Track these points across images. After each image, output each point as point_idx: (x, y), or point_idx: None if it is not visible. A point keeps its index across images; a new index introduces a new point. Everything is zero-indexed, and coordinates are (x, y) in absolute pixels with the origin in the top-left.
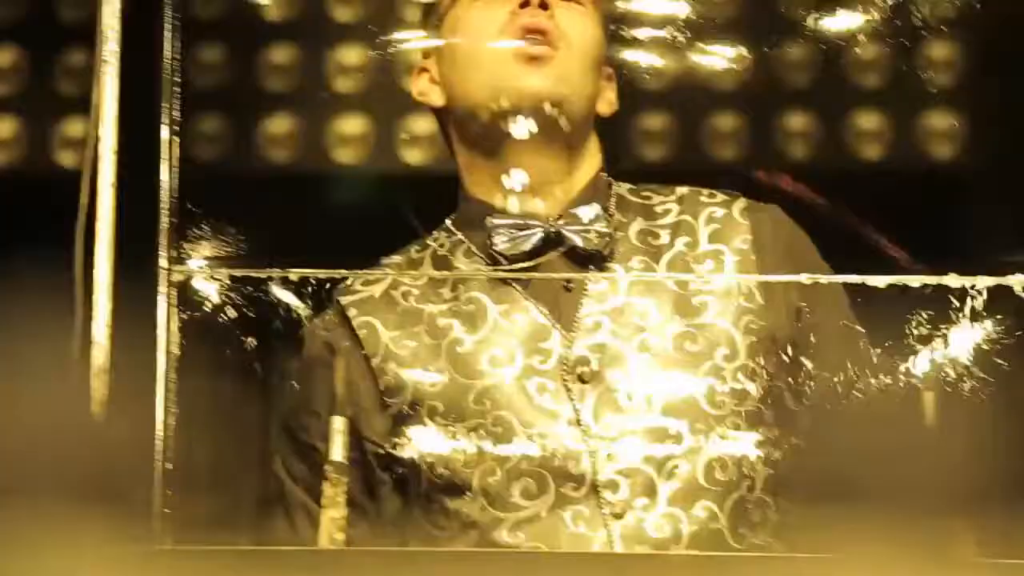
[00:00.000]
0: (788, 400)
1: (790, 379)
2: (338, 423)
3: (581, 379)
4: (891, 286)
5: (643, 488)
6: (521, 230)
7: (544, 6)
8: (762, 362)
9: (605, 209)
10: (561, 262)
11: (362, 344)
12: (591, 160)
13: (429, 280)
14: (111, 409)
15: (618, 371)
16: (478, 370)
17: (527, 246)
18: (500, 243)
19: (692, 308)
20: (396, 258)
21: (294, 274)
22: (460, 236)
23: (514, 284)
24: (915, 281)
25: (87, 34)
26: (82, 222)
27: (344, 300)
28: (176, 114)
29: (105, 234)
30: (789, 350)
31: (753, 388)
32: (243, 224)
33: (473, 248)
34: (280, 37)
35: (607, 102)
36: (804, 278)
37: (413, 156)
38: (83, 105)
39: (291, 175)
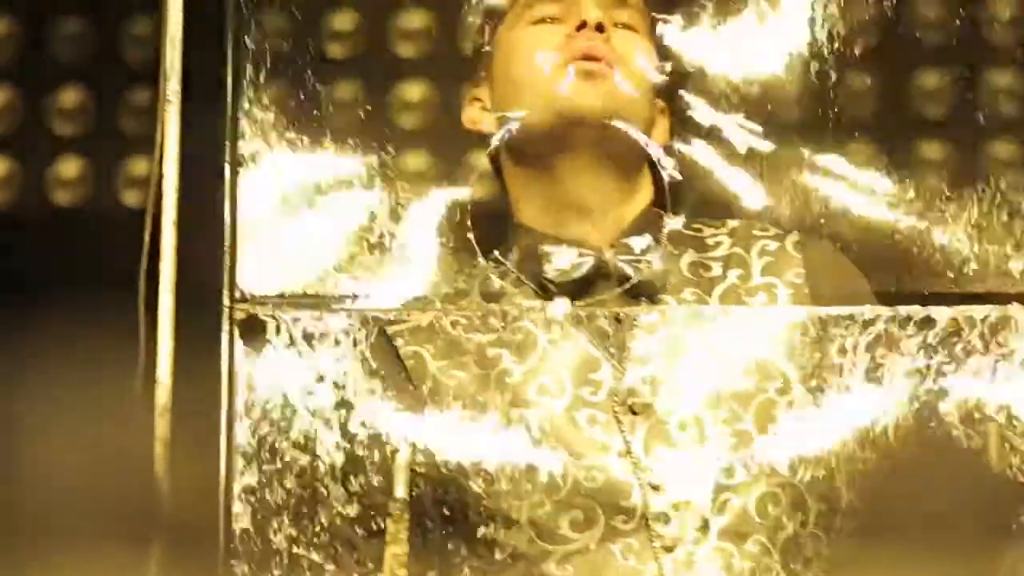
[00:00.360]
0: (840, 436)
1: (842, 415)
2: (401, 458)
3: (632, 410)
4: (953, 318)
5: (695, 522)
6: (572, 258)
7: (600, 28)
8: (815, 396)
9: (657, 240)
10: (611, 291)
11: (410, 374)
12: (644, 191)
13: (477, 309)
14: (174, 448)
15: (669, 403)
16: (527, 400)
17: (578, 274)
18: (550, 271)
19: (744, 341)
20: (443, 288)
21: (356, 310)
22: (509, 265)
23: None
24: (978, 312)
25: (151, 74)
26: (145, 260)
27: (391, 330)
28: (239, 151)
29: (168, 272)
30: (841, 386)
31: (806, 422)
32: (307, 257)
33: (522, 277)
34: (344, 73)
35: (660, 133)
36: (866, 310)
37: (476, 191)
38: (148, 144)
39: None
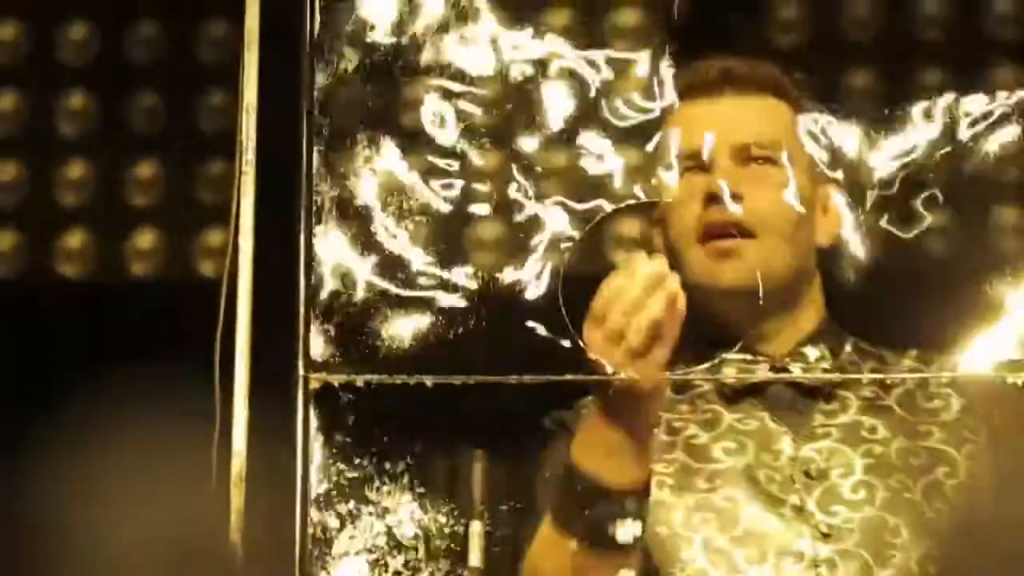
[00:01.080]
0: (1001, 526)
1: (1005, 510)
2: (476, 527)
3: (808, 474)
4: None
5: (860, 570)
6: (749, 365)
7: (736, 197)
8: (981, 486)
9: (833, 352)
10: (788, 390)
11: None
12: (814, 303)
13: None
14: (250, 517)
15: (843, 470)
16: (711, 456)
17: (754, 381)
18: (728, 376)
19: (918, 433)
20: None
21: (430, 380)
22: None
23: (749, 400)
24: None
25: (226, 145)
26: (220, 330)
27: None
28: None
29: (243, 341)
30: (1006, 482)
31: (969, 505)
32: (382, 329)
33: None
34: (415, 146)
35: (825, 233)
36: (944, 376)
37: None
38: (223, 215)
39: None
